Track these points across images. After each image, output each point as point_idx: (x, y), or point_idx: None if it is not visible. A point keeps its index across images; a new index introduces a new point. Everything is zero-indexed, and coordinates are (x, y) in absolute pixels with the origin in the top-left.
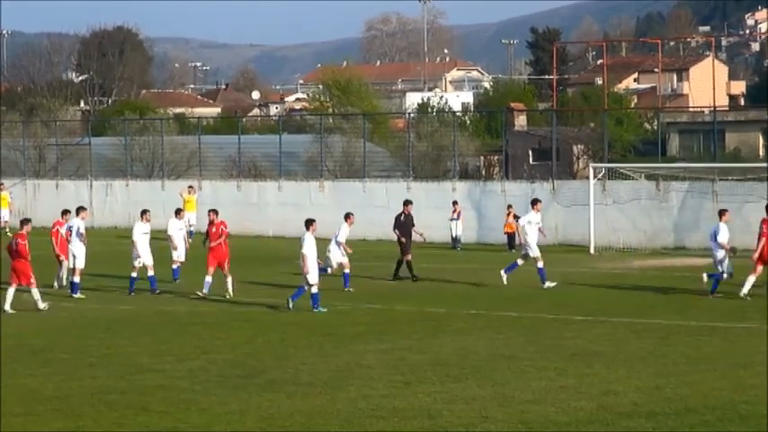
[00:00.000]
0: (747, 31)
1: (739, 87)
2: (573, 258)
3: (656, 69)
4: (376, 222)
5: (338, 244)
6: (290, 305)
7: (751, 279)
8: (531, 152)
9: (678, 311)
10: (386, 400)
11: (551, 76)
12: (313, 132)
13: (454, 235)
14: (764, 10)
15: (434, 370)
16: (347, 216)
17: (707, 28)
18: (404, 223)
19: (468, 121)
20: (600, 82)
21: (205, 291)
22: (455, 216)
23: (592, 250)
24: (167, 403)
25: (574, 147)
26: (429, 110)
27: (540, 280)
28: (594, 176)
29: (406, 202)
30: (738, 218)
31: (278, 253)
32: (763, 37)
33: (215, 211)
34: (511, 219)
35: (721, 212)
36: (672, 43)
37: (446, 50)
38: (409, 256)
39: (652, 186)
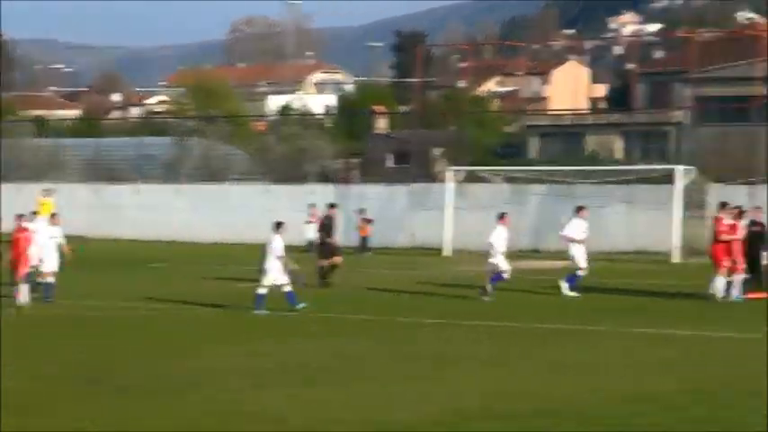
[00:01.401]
0: (610, 35)
1: (601, 90)
2: (429, 261)
3: (518, 72)
4: (232, 225)
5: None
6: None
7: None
8: (390, 155)
9: (532, 314)
10: (234, 404)
11: (414, 79)
12: (174, 135)
13: (310, 238)
14: (628, 14)
15: (285, 374)
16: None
17: (571, 31)
18: (329, 227)
19: (330, 124)
20: (463, 85)
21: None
22: (312, 219)
23: (448, 253)
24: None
25: (433, 149)
26: (290, 112)
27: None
28: (453, 179)
29: (331, 206)
30: (597, 220)
31: (134, 256)
32: (626, 40)
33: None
34: (362, 222)
35: (578, 209)
36: (536, 47)
37: (310, 53)
38: (337, 260)
39: (510, 189)
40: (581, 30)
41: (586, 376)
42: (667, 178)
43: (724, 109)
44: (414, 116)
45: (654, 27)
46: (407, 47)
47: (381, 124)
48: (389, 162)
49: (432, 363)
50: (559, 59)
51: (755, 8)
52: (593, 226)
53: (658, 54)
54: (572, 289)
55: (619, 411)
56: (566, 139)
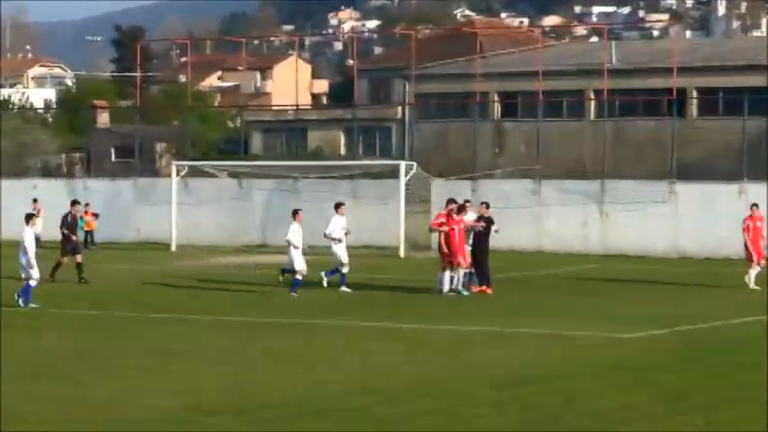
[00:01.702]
0: (331, 31)
1: (322, 86)
2: (154, 256)
3: (239, 67)
4: None
5: None
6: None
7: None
8: (113, 150)
9: (258, 308)
10: None
11: (135, 74)
12: None
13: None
14: (348, 10)
15: (11, 369)
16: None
17: (291, 27)
18: (72, 224)
19: (51, 119)
20: (184, 80)
21: None
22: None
23: (173, 248)
24: None
25: (157, 144)
26: (10, 107)
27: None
28: (177, 174)
29: (74, 203)
30: (319, 216)
31: None
32: (346, 36)
33: None
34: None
35: (337, 206)
36: (256, 42)
37: (28, 47)
38: (79, 258)
39: (235, 184)
40: (301, 26)
41: (314, 369)
42: (391, 173)
43: (444, 105)
44: (135, 111)
45: (372, 24)
46: (127, 41)
47: (104, 119)
48: (113, 157)
49: (162, 358)
50: (280, 55)
51: (472, 6)
52: (319, 221)
53: (378, 50)
54: (341, 285)
55: (346, 404)
56: (289, 135)
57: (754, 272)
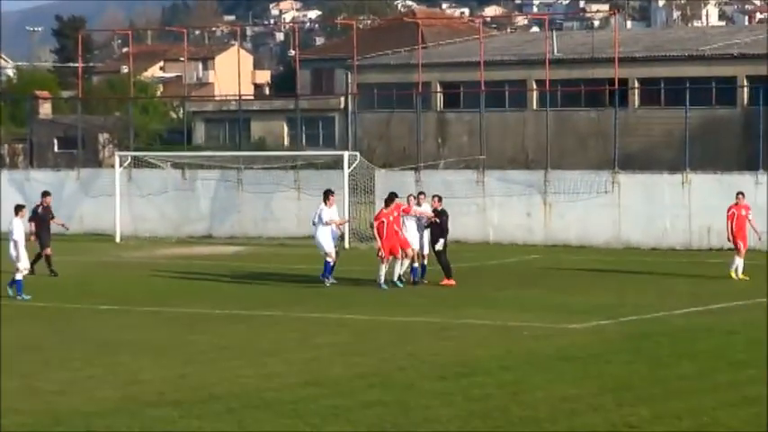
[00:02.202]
0: (272, 21)
1: (265, 76)
2: (99, 248)
3: (181, 58)
4: None
5: None
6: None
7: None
8: (56, 141)
9: (201, 299)
10: None
11: (77, 64)
12: None
13: None
14: (289, 0)
15: None
16: None
17: (232, 17)
18: (42, 216)
19: None
20: (126, 70)
21: None
22: None
23: (118, 239)
24: None
25: (100, 135)
26: None
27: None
28: (120, 165)
29: (45, 194)
30: (263, 206)
31: None
32: (288, 27)
33: None
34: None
35: (326, 194)
36: (198, 32)
37: None
38: (48, 251)
39: (178, 175)
40: (242, 16)
41: (260, 361)
42: (334, 164)
43: (386, 96)
44: (77, 102)
45: (314, 14)
46: (68, 32)
47: (46, 110)
48: (56, 148)
49: (108, 349)
50: (222, 45)
51: None
52: (263, 211)
53: (320, 41)
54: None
55: (293, 396)
56: (231, 125)
57: (740, 261)
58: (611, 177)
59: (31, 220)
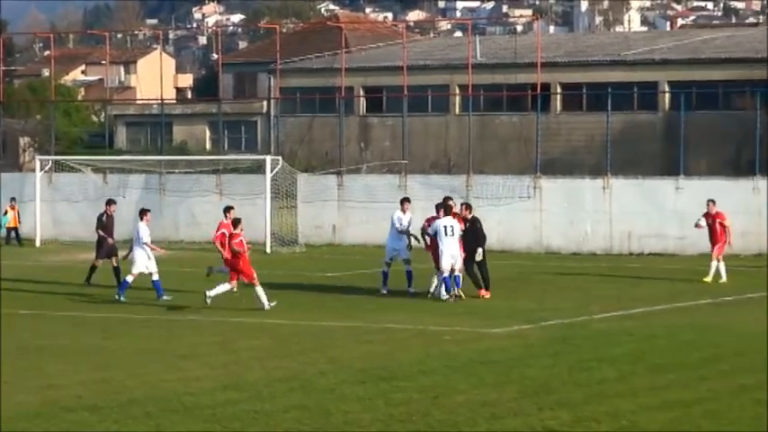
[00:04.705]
0: (195, 25)
1: (187, 80)
2: (19, 251)
3: (103, 61)
4: None
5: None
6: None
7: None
8: None
9: (121, 304)
10: None
11: None
12: None
13: None
14: (212, 4)
15: None
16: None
17: (155, 21)
18: (107, 224)
19: None
20: (47, 73)
21: None
22: None
23: (38, 243)
24: None
25: (21, 139)
26: None
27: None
28: (41, 169)
29: (110, 202)
30: (185, 210)
31: None
32: (210, 30)
33: None
34: None
35: (142, 212)
36: (120, 35)
37: None
38: (116, 261)
39: (100, 179)
40: (165, 19)
41: (180, 365)
42: (257, 168)
43: (309, 100)
44: None
45: (236, 18)
46: None
47: None
48: None
49: (27, 354)
50: (145, 49)
51: (337, 0)
52: (185, 215)
53: (243, 45)
54: None
55: (213, 400)
56: (154, 129)
57: (722, 265)
58: (532, 182)
59: (97, 228)
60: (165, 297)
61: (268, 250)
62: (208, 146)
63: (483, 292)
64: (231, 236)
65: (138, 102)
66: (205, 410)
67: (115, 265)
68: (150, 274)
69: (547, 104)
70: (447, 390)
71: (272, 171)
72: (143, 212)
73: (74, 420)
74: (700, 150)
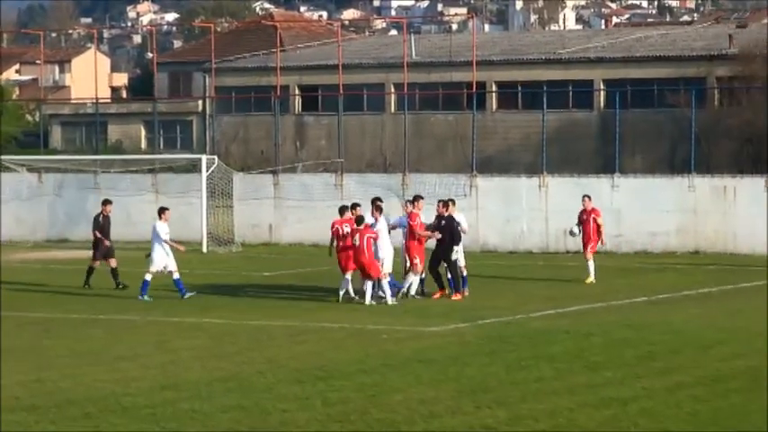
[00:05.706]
0: (130, 24)
1: (122, 79)
2: None
3: (38, 61)
4: None
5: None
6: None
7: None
8: None
9: (57, 304)
10: None
11: None
12: None
13: None
14: (146, 3)
15: None
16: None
17: (89, 20)
18: (104, 225)
19: None
20: None
21: None
22: None
23: None
24: None
25: None
26: None
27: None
28: None
29: (105, 202)
30: (120, 210)
31: None
32: (145, 30)
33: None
34: None
35: (161, 210)
36: (54, 35)
37: None
38: (114, 262)
39: (35, 179)
40: (99, 18)
41: (117, 366)
42: (192, 167)
43: (244, 99)
44: None
45: (171, 17)
46: None
47: None
48: None
49: None
50: (79, 48)
51: None
52: (120, 215)
53: (178, 44)
54: None
55: (151, 401)
56: (88, 128)
57: (591, 264)
58: (468, 180)
59: (94, 230)
60: (188, 294)
61: (204, 250)
62: (143, 145)
63: (442, 292)
64: (357, 231)
65: (73, 101)
66: (143, 410)
67: (113, 266)
68: (170, 272)
69: (482, 103)
70: (385, 389)
71: (207, 170)
72: (162, 210)
73: (12, 420)
74: (635, 148)
